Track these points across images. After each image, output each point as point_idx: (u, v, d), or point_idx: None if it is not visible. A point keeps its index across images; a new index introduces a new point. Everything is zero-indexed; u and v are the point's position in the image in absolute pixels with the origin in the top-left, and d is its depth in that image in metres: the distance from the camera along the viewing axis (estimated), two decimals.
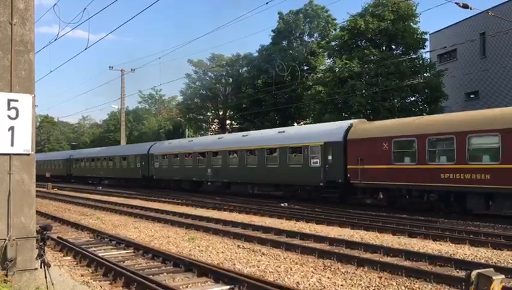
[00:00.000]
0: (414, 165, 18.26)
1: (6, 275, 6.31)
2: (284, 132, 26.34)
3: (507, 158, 15.17)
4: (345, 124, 22.78)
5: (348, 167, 20.79)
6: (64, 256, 11.25)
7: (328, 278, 8.70)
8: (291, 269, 9.40)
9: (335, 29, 41.56)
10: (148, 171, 37.28)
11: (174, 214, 19.64)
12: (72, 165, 53.09)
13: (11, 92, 6.63)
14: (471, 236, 12.80)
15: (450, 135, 17.13)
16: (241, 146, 27.96)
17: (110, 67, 50.62)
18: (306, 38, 45.58)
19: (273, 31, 44.92)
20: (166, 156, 35.37)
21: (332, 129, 22.82)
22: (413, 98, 32.41)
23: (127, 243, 12.27)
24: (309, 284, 8.25)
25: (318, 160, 22.50)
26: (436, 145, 17.87)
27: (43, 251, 6.62)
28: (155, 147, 37.95)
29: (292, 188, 24.86)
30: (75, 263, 10.50)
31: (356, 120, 23.29)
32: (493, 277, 4.92)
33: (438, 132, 17.65)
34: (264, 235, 13.52)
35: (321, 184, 22.34)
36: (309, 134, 24.09)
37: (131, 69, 50.80)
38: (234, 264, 10.00)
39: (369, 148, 19.77)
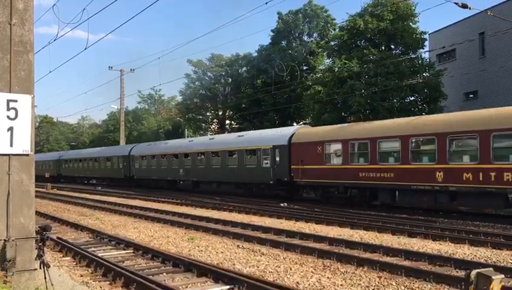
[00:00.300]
0: (340, 166, 21.62)
1: (6, 276, 6.31)
2: (242, 136, 29.69)
3: (405, 159, 18.66)
4: (290, 129, 26.24)
5: (292, 167, 23.81)
6: (63, 256, 11.24)
7: (328, 278, 8.70)
8: (290, 269, 9.40)
9: (334, 29, 41.55)
10: (129, 171, 40.14)
11: (174, 214, 19.64)
12: (61, 165, 56.57)
13: (10, 92, 6.63)
14: (471, 236, 12.82)
15: (365, 140, 20.47)
16: (207, 149, 31.08)
17: (109, 67, 50.67)
18: (305, 38, 45.60)
19: (272, 31, 44.94)
20: (145, 157, 38.55)
21: (280, 134, 25.86)
22: (413, 98, 32.40)
23: (127, 243, 12.27)
24: (309, 284, 8.25)
25: (268, 161, 25.44)
26: (356, 148, 21.13)
27: (43, 252, 6.61)
28: (135, 149, 40.85)
29: (249, 186, 27.66)
30: (74, 263, 10.50)
31: (301, 126, 26.58)
32: (493, 277, 4.92)
33: (357, 138, 21.11)
34: (263, 235, 13.52)
35: (271, 182, 25.27)
36: (262, 138, 26.98)
37: (131, 69, 50.84)
38: (234, 264, 10.00)
39: (308, 151, 22.91)
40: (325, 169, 22.11)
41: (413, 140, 18.59)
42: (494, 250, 11.15)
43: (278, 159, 24.91)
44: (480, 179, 15.92)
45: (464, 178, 16.48)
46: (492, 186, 15.57)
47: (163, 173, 35.63)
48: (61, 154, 61.46)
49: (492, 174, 15.56)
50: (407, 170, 18.49)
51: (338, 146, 21.86)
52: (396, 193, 19.36)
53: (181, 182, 34.49)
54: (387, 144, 19.84)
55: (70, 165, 54.35)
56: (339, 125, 24.65)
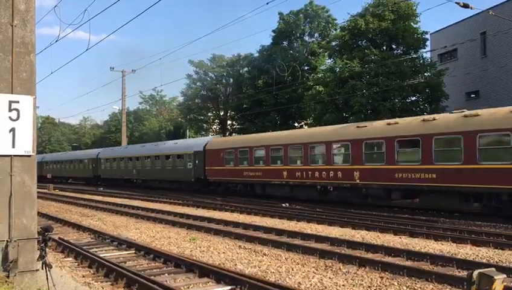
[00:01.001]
0: (233, 167, 28.86)
1: (8, 277, 6.32)
2: (176, 143, 37.88)
3: (268, 163, 26.28)
4: (206, 139, 35.13)
5: (206, 168, 31.07)
6: (65, 257, 11.25)
7: (330, 278, 8.70)
8: (292, 270, 9.40)
9: (335, 29, 41.55)
10: (97, 171, 47.91)
11: (175, 214, 19.65)
12: (43, 166, 62.40)
13: (12, 93, 6.64)
14: (473, 236, 12.80)
15: (246, 148, 28.10)
16: (152, 153, 38.59)
17: (111, 68, 50.81)
18: (306, 38, 45.59)
19: (273, 31, 44.93)
20: (108, 160, 46.07)
21: (199, 143, 33.59)
22: (414, 98, 32.37)
23: (129, 244, 12.28)
24: (310, 285, 8.25)
25: (191, 163, 32.57)
26: (240, 154, 28.35)
27: (45, 252, 6.61)
28: (102, 153, 48.60)
29: (179, 183, 34.78)
30: (76, 264, 10.51)
31: (215, 136, 37.33)
32: (495, 277, 4.91)
33: (242, 146, 28.75)
34: (265, 236, 13.52)
35: (192, 180, 32.60)
36: (187, 145, 34.85)
37: (132, 70, 50.96)
38: (235, 264, 10.00)
39: (214, 156, 30.37)
40: (224, 169, 29.53)
41: (273, 148, 26.15)
42: (496, 250, 11.13)
43: (197, 162, 31.93)
44: (304, 176, 23.63)
45: (297, 175, 24.10)
46: (309, 181, 23.42)
47: (122, 173, 43.15)
48: (43, 156, 68.73)
49: (310, 172, 23.28)
50: (269, 170, 26.01)
51: (231, 152, 29.13)
52: (265, 187, 26.68)
53: (135, 180, 42.07)
54: (258, 151, 27.15)
55: (51, 166, 62.32)
56: (234, 136, 33.80)
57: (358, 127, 21.60)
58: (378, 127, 20.67)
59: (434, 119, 18.50)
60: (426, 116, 20.03)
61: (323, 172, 22.51)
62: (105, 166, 46.26)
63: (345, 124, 25.70)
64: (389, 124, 20.34)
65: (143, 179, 40.02)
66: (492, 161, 16.13)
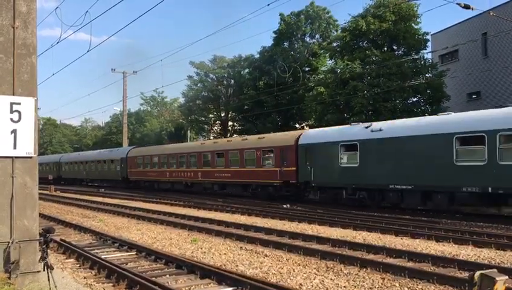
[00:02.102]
0: (142, 169, 39.98)
1: (10, 278, 6.33)
2: (111, 151, 49.10)
3: (167, 167, 36.43)
4: (129, 148, 45.12)
5: (127, 170, 41.83)
6: (67, 258, 11.26)
7: (331, 279, 8.69)
8: (294, 271, 9.39)
9: (336, 30, 41.61)
10: (59, 172, 58.22)
11: (177, 216, 19.65)
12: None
13: (13, 95, 6.66)
14: (474, 237, 12.78)
15: (148, 156, 39.24)
16: (95, 158, 49.43)
17: (112, 69, 50.76)
18: (307, 39, 45.63)
19: (274, 32, 44.97)
20: (67, 163, 57.18)
21: (124, 151, 44.19)
22: (415, 99, 32.38)
23: (130, 245, 12.29)
24: (312, 286, 8.24)
25: (119, 166, 43.37)
26: (146, 160, 38.93)
27: (46, 254, 6.62)
28: (63, 158, 60.76)
29: (111, 182, 45.59)
30: (77, 265, 10.51)
31: (134, 147, 46.71)
32: (496, 278, 4.91)
33: (146, 155, 39.36)
34: (266, 237, 13.51)
35: (120, 179, 43.15)
36: (117, 153, 45.65)
37: (133, 71, 50.96)
38: (237, 265, 10.00)
39: (132, 161, 41.24)
40: (138, 171, 40.57)
41: (161, 156, 36.90)
42: (497, 251, 11.11)
43: (122, 165, 42.63)
44: (178, 175, 34.63)
45: (174, 175, 35.11)
46: (180, 179, 34.51)
47: (76, 174, 53.67)
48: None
49: (180, 173, 34.25)
50: (159, 172, 37.04)
51: (141, 159, 40.14)
52: (158, 184, 38.18)
53: (85, 180, 52.57)
54: (154, 158, 38.04)
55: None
56: (145, 148, 43.54)
57: (202, 144, 35.99)
58: (208, 144, 34.62)
59: (228, 141, 32.65)
60: (243, 137, 31.33)
61: (187, 173, 33.56)
62: (65, 168, 57.63)
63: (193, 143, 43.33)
64: (202, 143, 36.24)
65: (90, 179, 51.53)
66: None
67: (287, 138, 25.42)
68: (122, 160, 42.41)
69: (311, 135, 24.54)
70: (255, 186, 27.61)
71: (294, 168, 23.96)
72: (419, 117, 21.83)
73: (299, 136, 24.53)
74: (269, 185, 26.20)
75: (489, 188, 15.86)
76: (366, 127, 21.02)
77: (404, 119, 21.75)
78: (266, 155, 26.38)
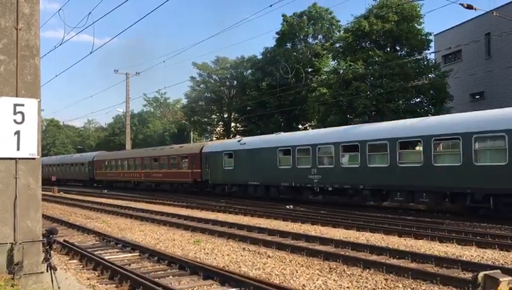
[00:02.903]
0: (104, 171, 47.31)
1: (13, 279, 6.34)
2: (82, 155, 58.33)
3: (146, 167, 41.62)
4: (94, 153, 53.62)
5: (94, 171, 49.53)
6: (70, 259, 11.28)
7: (334, 280, 8.68)
8: (296, 272, 9.38)
9: (339, 31, 41.57)
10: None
11: (180, 217, 19.65)
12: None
13: (17, 96, 6.68)
14: (478, 237, 12.73)
15: (109, 160, 46.75)
16: (67, 161, 58.35)
17: (115, 70, 50.83)
18: (310, 40, 45.62)
19: (277, 33, 44.99)
20: (46, 165, 60.43)
21: (91, 155, 52.36)
22: (418, 99, 32.30)
23: (133, 246, 12.30)
24: (315, 287, 8.23)
25: (87, 168, 51.13)
26: (108, 163, 46.28)
27: (49, 255, 6.64)
28: (43, 161, 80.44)
29: (81, 181, 53.70)
30: (81, 266, 10.53)
31: (100, 152, 55.20)
32: (500, 279, 4.89)
33: (108, 159, 47.12)
34: (269, 238, 13.50)
35: (88, 179, 51.07)
36: (85, 157, 54.15)
37: (136, 73, 51.03)
38: (240, 267, 9.99)
39: (98, 164, 48.67)
40: (102, 172, 47.98)
41: (115, 160, 45.21)
42: (501, 252, 11.07)
43: (90, 167, 50.49)
44: (129, 176, 42.61)
45: (126, 175, 42.80)
46: (133, 179, 42.55)
47: (52, 174, 58.00)
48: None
49: (131, 174, 42.15)
50: (116, 173, 44.92)
51: (104, 162, 47.67)
52: (116, 182, 45.91)
53: (54, 178, 57.16)
54: (112, 162, 45.90)
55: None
56: (114, 151, 53.02)
57: (145, 150, 43.71)
58: (148, 151, 42.40)
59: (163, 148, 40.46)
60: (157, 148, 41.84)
61: (135, 174, 41.96)
62: (45, 170, 61.30)
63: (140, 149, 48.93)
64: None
65: (62, 178, 58.09)
66: None
67: (196, 147, 34.14)
68: (90, 163, 50.75)
69: (208, 145, 33.07)
70: (176, 184, 36.29)
71: (199, 170, 32.23)
72: (269, 135, 30.71)
73: (202, 147, 33.03)
74: (185, 183, 34.81)
75: (293, 183, 24.56)
76: (238, 141, 30.16)
77: (260, 137, 30.90)
78: (183, 160, 34.79)
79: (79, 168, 53.84)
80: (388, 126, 20.82)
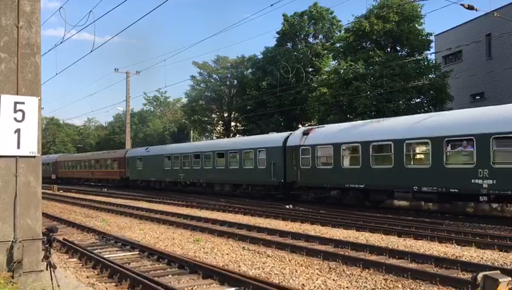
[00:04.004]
0: (71, 170, 55.93)
1: (13, 277, 6.34)
2: (48, 156, 64.05)
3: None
4: (57, 155, 65.54)
5: (57, 170, 58.83)
6: (69, 258, 11.28)
7: (333, 280, 8.68)
8: (296, 271, 9.39)
9: (340, 31, 41.59)
10: None
11: (179, 216, 19.66)
12: None
13: (17, 94, 6.67)
14: (477, 238, 12.73)
15: (72, 161, 57.47)
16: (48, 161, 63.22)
17: (115, 69, 50.74)
18: (311, 40, 45.63)
19: (277, 32, 45.00)
20: None
21: (55, 156, 62.89)
22: (419, 100, 32.32)
23: (132, 245, 12.30)
24: (314, 286, 8.24)
25: (51, 168, 59.66)
26: (72, 163, 56.31)
27: (49, 253, 6.63)
28: None
29: (47, 178, 55.35)
30: (80, 264, 10.54)
31: (63, 154, 71.73)
32: (500, 279, 4.89)
33: (69, 160, 58.54)
34: (269, 237, 13.50)
35: (53, 177, 57.75)
36: (50, 158, 62.55)
37: (136, 71, 50.98)
38: (239, 266, 9.99)
39: (60, 164, 58.61)
40: (66, 171, 56.55)
41: (76, 161, 55.15)
42: (501, 252, 11.07)
43: (54, 167, 59.57)
44: (93, 175, 51.69)
45: (87, 174, 52.72)
46: (86, 177, 53.32)
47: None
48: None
49: (92, 172, 51.21)
50: (79, 172, 53.53)
51: (67, 162, 57.00)
52: (80, 180, 54.10)
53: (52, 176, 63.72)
54: (71, 163, 55.69)
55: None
56: (69, 154, 67.22)
57: (92, 154, 54.36)
58: (95, 155, 52.56)
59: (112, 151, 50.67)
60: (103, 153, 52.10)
61: (85, 173, 51.93)
62: None
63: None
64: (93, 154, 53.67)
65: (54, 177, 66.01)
66: None
67: (122, 152, 44.95)
68: (54, 163, 60.70)
69: (129, 151, 44.25)
70: (111, 181, 46.16)
71: (124, 170, 42.93)
72: (163, 145, 43.28)
73: (126, 152, 43.77)
74: (115, 179, 44.78)
75: (172, 179, 35.24)
76: (146, 149, 41.10)
77: (156, 147, 42.52)
78: (114, 162, 45.46)
79: (45, 167, 61.74)
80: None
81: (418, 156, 18.89)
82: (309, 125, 41.99)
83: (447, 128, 17.04)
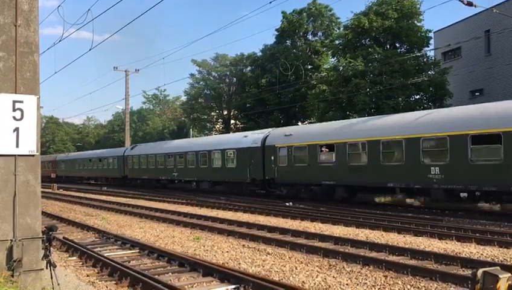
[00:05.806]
0: (50, 169, 62.66)
1: (13, 276, 6.33)
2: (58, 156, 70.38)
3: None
4: (52, 157, 69.11)
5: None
6: (69, 256, 11.29)
7: (333, 277, 8.69)
8: (296, 269, 9.39)
9: (339, 28, 41.51)
10: None
11: (179, 214, 19.67)
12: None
13: (16, 93, 6.65)
14: (477, 234, 12.75)
15: (66, 160, 62.26)
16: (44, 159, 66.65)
17: (114, 67, 50.68)
18: (310, 37, 45.51)
19: (276, 30, 44.87)
20: None
21: (54, 156, 69.30)
22: (418, 96, 32.27)
23: (133, 243, 12.31)
24: (314, 284, 8.24)
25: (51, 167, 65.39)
26: (55, 163, 65.00)
27: (49, 252, 6.63)
28: None
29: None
30: (80, 263, 10.54)
31: (60, 154, 72.55)
32: (499, 275, 4.89)
33: (56, 160, 64.91)
34: (269, 235, 13.52)
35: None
36: (49, 156, 68.90)
37: (136, 70, 50.95)
38: (239, 263, 10.00)
39: (41, 164, 55.01)
40: (43, 170, 56.61)
41: (68, 160, 60.42)
42: (500, 249, 11.09)
43: (59, 167, 62.45)
44: (69, 174, 59.55)
45: (70, 172, 59.36)
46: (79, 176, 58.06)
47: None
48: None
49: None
50: (67, 169, 59.65)
51: (44, 163, 53.19)
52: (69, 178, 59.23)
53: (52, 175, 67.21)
54: (54, 162, 64.03)
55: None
56: (78, 152, 66.58)
57: (70, 154, 64.42)
58: (78, 154, 61.66)
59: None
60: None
61: (69, 171, 58.20)
62: None
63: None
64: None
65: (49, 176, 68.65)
66: None
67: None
68: (52, 163, 64.39)
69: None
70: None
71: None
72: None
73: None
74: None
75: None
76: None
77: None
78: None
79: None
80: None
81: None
82: (309, 123, 42.02)
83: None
